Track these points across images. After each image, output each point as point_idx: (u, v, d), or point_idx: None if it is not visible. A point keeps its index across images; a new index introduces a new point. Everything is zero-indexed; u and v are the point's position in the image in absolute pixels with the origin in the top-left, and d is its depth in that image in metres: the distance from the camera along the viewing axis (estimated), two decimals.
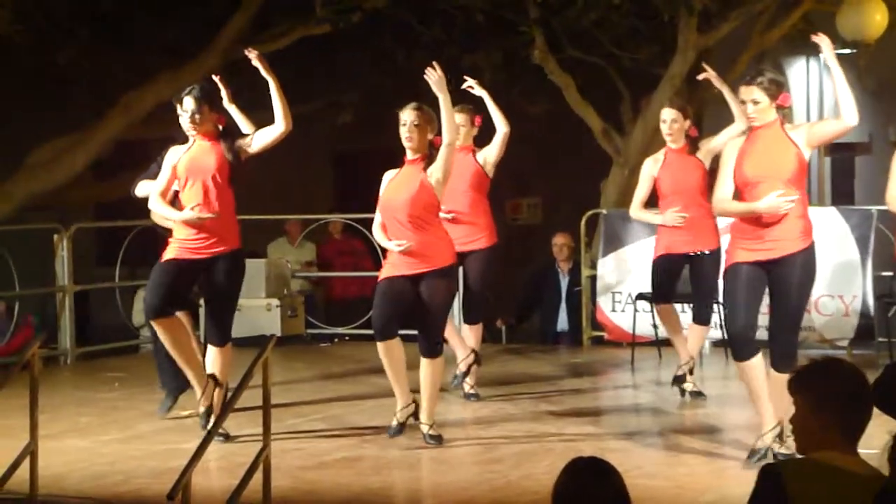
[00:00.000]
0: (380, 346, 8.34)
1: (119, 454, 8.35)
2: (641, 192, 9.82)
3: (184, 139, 8.68)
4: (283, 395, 9.78)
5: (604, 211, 13.52)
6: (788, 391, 4.25)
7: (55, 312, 12.82)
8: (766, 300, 7.70)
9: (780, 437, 7.53)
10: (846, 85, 7.44)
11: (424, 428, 8.38)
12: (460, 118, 9.56)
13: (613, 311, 12.69)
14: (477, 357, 9.92)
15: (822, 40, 7.54)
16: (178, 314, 8.81)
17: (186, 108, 8.40)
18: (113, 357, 12.69)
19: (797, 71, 17.40)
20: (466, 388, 9.97)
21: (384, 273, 8.39)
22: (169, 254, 8.53)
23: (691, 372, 9.83)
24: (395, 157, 8.48)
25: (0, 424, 8.79)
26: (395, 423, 8.46)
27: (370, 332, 8.76)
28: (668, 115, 9.73)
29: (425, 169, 8.23)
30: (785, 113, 7.63)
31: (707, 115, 14.29)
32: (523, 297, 14.74)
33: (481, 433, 8.85)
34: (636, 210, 9.89)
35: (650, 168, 9.78)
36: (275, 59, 16.11)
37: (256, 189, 17.73)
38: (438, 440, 8.34)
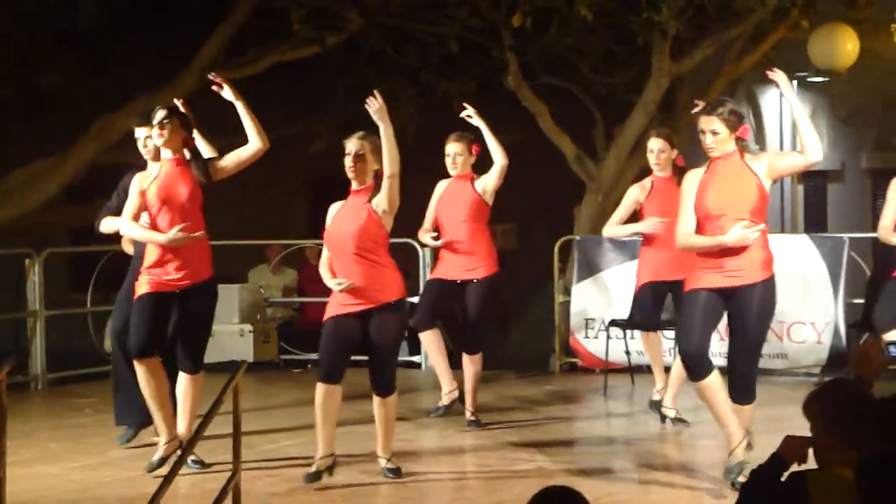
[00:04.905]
0: (322, 389, 7.91)
1: (90, 481, 8.31)
2: (620, 213, 9.75)
3: (143, 166, 8.51)
4: (256, 422, 9.75)
5: (577, 237, 13.54)
6: (803, 414, 4.54)
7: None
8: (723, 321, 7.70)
9: (748, 445, 7.46)
10: (808, 120, 7.42)
11: (383, 462, 8.17)
12: (458, 147, 9.55)
13: (587, 337, 12.69)
14: (461, 396, 9.74)
15: (778, 76, 7.47)
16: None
17: (156, 119, 8.08)
18: (84, 383, 12.63)
19: (770, 99, 17.47)
20: (468, 415, 9.83)
21: (330, 311, 7.94)
22: (143, 288, 8.16)
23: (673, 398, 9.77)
24: None
25: None
26: (314, 469, 8.00)
27: None
28: (655, 145, 9.69)
29: (370, 200, 7.89)
30: (747, 143, 7.60)
31: (679, 142, 14.30)
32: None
33: (453, 460, 8.84)
34: (610, 228, 9.81)
35: (636, 194, 9.71)
36: (250, 85, 16.18)
37: (232, 214, 17.77)
38: (397, 473, 8.14)
